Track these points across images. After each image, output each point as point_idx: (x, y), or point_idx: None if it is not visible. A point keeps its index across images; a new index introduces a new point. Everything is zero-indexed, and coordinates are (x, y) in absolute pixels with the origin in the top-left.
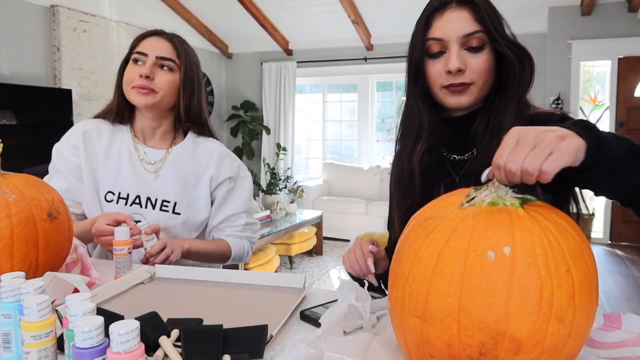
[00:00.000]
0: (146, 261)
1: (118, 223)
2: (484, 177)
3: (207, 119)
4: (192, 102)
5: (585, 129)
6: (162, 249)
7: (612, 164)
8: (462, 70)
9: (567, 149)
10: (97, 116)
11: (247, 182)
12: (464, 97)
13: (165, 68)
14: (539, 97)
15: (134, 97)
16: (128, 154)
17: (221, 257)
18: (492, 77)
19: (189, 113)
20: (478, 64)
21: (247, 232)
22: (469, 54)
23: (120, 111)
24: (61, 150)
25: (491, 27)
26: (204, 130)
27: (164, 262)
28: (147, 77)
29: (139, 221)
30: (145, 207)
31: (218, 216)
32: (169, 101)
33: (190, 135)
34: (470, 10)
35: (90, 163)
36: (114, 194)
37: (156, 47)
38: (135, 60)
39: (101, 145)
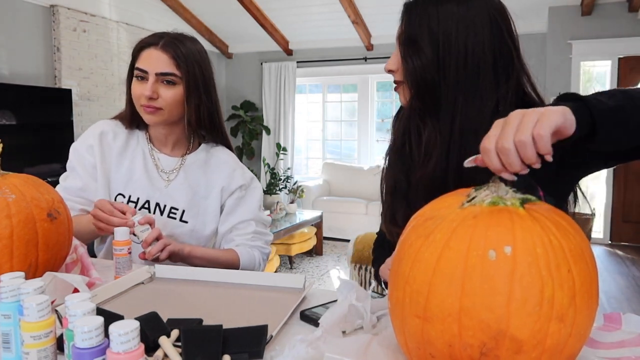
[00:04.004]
0: (144, 255)
1: (114, 213)
2: (469, 163)
3: (221, 121)
4: (200, 110)
5: (564, 99)
6: (157, 239)
7: (612, 113)
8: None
9: (553, 112)
10: (116, 117)
11: (257, 192)
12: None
13: (167, 82)
14: None
15: (142, 115)
16: (142, 159)
17: (229, 266)
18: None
19: (199, 121)
20: None
21: (257, 242)
22: None
23: (134, 120)
24: (78, 149)
25: None
26: (218, 135)
27: (161, 251)
28: (151, 98)
29: (135, 215)
30: (154, 212)
31: (227, 223)
32: (176, 114)
33: (204, 145)
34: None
35: (104, 163)
36: (124, 196)
37: (154, 63)
38: (138, 77)
39: (116, 147)
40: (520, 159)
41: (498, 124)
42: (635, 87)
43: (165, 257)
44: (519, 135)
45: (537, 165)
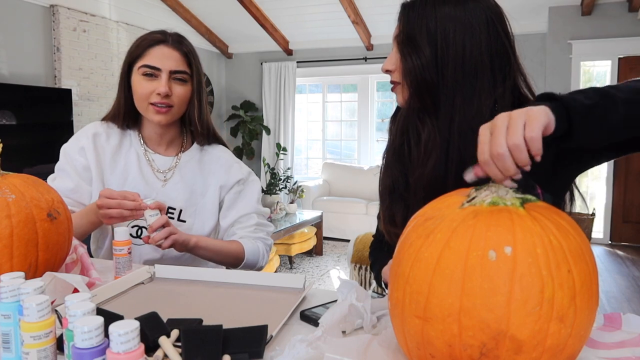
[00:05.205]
0: (147, 239)
1: (125, 198)
2: (469, 176)
3: (211, 122)
4: (202, 108)
5: (544, 99)
6: (164, 226)
7: (588, 110)
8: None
9: (538, 112)
10: (105, 118)
11: (256, 186)
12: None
13: (179, 80)
14: None
15: (151, 115)
16: (136, 160)
17: (234, 257)
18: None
19: (201, 119)
20: None
21: (259, 233)
22: None
23: (127, 117)
24: (68, 151)
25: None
26: (210, 133)
27: (165, 238)
28: (167, 95)
29: (146, 199)
30: None
31: (228, 218)
32: (181, 112)
33: (197, 142)
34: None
35: (99, 165)
36: None
37: (167, 60)
38: (147, 74)
39: (110, 148)
40: (515, 163)
41: (485, 129)
42: (611, 85)
43: (168, 245)
44: (512, 139)
45: (528, 168)
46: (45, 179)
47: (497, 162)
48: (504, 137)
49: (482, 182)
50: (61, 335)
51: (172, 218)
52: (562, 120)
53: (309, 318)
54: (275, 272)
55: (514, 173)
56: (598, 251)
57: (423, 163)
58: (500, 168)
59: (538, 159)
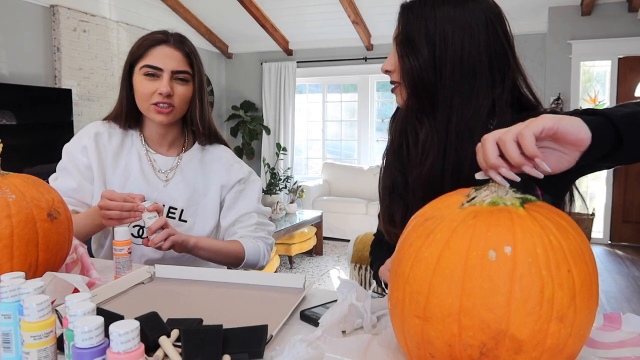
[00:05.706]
0: (147, 242)
1: (127, 201)
2: (478, 175)
3: (212, 121)
4: (203, 109)
5: (577, 114)
6: (163, 228)
7: (631, 117)
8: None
9: (544, 117)
10: (107, 118)
11: (257, 185)
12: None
13: (181, 80)
14: None
15: (153, 115)
16: (138, 160)
17: (234, 257)
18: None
19: (203, 119)
20: None
21: (260, 232)
22: None
23: (128, 118)
24: (71, 150)
25: None
26: (212, 133)
27: (164, 240)
28: (169, 95)
29: (144, 201)
30: None
31: (229, 217)
32: (183, 112)
33: (199, 143)
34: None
35: (101, 165)
36: None
37: (169, 61)
38: (149, 74)
39: (112, 148)
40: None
41: (490, 138)
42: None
43: (167, 246)
44: (503, 134)
45: (540, 175)
46: (45, 179)
47: (501, 145)
48: (508, 133)
49: (477, 181)
50: (61, 335)
51: (174, 218)
52: (606, 131)
53: (309, 318)
54: (275, 272)
55: (517, 159)
56: (598, 251)
57: (421, 163)
58: (504, 152)
59: (540, 164)
